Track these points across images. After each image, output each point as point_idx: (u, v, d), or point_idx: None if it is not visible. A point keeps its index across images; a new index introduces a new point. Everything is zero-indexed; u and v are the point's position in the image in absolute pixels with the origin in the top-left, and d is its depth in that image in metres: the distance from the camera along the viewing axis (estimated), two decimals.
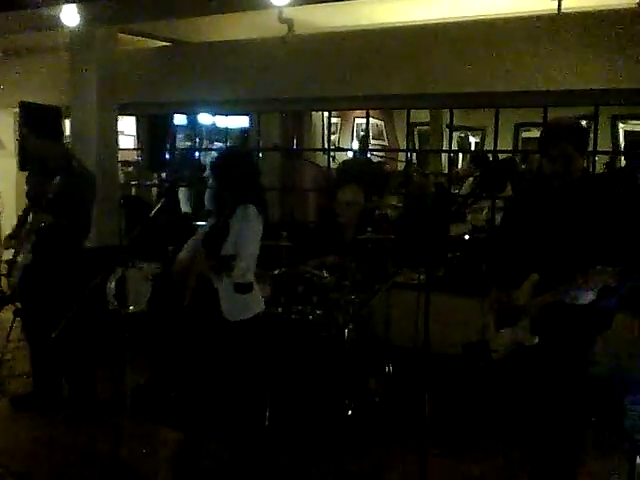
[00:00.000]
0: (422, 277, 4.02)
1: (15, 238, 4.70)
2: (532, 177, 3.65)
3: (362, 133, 9.89)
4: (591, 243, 3.01)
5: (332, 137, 9.51)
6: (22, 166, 6.47)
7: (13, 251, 4.78)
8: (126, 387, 3.52)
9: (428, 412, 3.69)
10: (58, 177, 4.47)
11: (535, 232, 3.25)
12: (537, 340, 3.11)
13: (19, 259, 4.59)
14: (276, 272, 4.68)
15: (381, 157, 9.11)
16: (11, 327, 5.57)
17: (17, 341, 5.73)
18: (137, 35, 7.29)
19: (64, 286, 4.58)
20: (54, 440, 4.39)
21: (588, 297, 2.98)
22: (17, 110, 6.85)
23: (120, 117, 7.00)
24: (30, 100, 6.70)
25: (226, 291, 3.55)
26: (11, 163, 8.45)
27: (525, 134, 9.10)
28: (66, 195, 4.43)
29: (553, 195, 3.22)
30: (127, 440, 3.74)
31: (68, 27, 5.97)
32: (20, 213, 4.88)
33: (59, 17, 5.76)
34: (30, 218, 4.48)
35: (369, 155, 9.05)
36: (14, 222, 8.61)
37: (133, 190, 9.06)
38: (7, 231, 8.08)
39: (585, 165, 3.39)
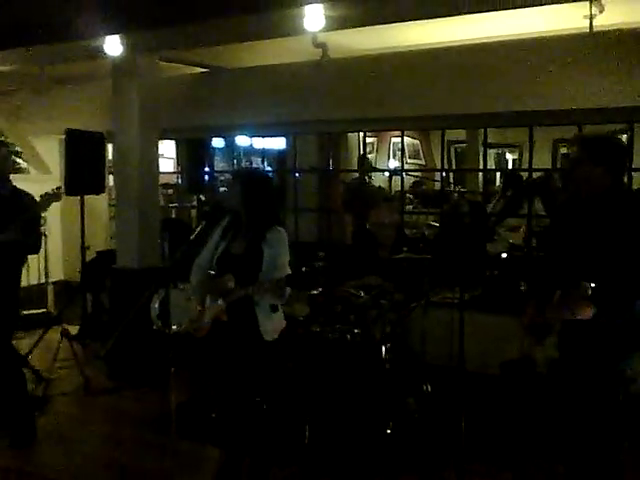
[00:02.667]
0: (458, 296, 4.04)
1: None
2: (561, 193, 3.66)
3: (398, 152, 9.95)
4: (610, 258, 2.98)
5: (368, 157, 9.59)
6: (68, 191, 6.70)
7: None
8: (170, 406, 3.60)
9: (466, 431, 3.72)
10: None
11: (563, 246, 3.26)
12: (557, 355, 3.12)
13: None
14: (314, 292, 4.74)
15: (418, 176, 9.15)
16: (58, 347, 5.75)
17: (64, 361, 5.90)
18: (176, 62, 7.49)
19: (14, 302, 4.74)
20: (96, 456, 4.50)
21: (587, 312, 2.96)
22: (63, 137, 7.11)
23: (160, 141, 7.19)
24: (75, 127, 6.95)
25: (264, 312, 3.59)
26: None
27: (564, 150, 9.07)
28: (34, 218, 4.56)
29: (579, 210, 3.23)
30: (171, 457, 3.82)
31: (111, 56, 6.16)
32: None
33: (103, 47, 5.96)
34: None
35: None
36: (59, 246, 8.94)
37: (173, 212, 9.26)
38: (54, 254, 8.37)
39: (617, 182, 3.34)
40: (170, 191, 9.46)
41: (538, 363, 3.33)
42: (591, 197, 3.18)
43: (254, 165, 9.45)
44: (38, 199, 4.62)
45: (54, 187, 4.69)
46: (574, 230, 3.23)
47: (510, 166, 10.60)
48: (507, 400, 4.75)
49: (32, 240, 4.64)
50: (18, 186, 4.82)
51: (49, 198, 4.60)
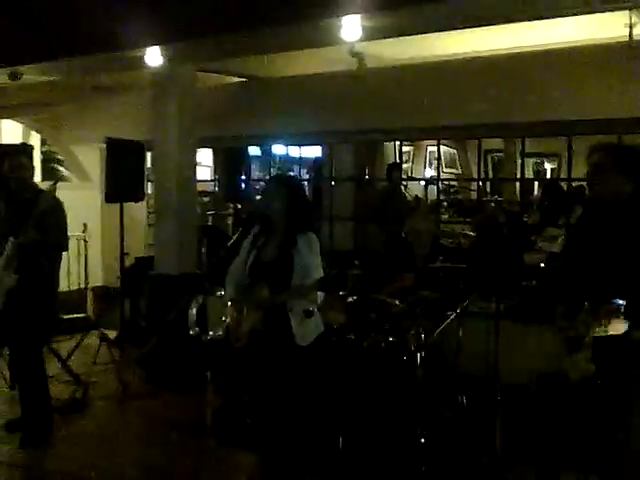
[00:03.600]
0: (494, 305, 4.02)
1: None
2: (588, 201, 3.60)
3: (435, 161, 9.92)
4: (635, 268, 2.95)
5: (404, 166, 9.58)
6: (108, 198, 6.83)
7: None
8: (206, 410, 3.65)
9: (501, 443, 3.69)
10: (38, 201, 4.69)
11: (588, 255, 3.22)
12: (593, 368, 3.08)
13: None
14: (349, 300, 4.76)
15: (453, 185, 9.11)
16: (97, 351, 5.86)
17: (102, 365, 6.00)
18: (215, 72, 7.60)
19: (49, 304, 4.84)
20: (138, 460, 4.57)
21: (619, 328, 2.92)
22: (103, 145, 7.25)
23: (198, 149, 7.29)
24: (115, 136, 7.09)
25: (297, 318, 3.61)
26: (97, 195, 8.89)
27: None
28: (47, 215, 4.65)
29: (601, 218, 3.20)
30: (206, 461, 3.87)
31: (151, 67, 6.28)
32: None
33: (144, 58, 6.08)
34: (8, 245, 4.65)
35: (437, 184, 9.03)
36: (99, 252, 9.09)
37: (210, 220, 9.37)
38: (93, 260, 8.53)
39: None
40: (207, 199, 9.57)
41: (570, 376, 3.28)
42: (613, 205, 3.15)
43: (291, 173, 9.51)
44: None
45: (54, 181, 4.80)
46: (597, 238, 3.19)
47: (549, 176, 10.48)
48: (544, 413, 4.70)
49: (52, 238, 4.70)
50: (59, 193, 4.94)
51: (48, 193, 4.72)
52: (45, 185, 5.00)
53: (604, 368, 3.09)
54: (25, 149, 5.12)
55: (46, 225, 4.64)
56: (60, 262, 5.02)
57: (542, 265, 6.05)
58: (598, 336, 3.05)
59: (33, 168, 5.02)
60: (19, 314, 4.71)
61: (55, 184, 4.77)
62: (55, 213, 4.73)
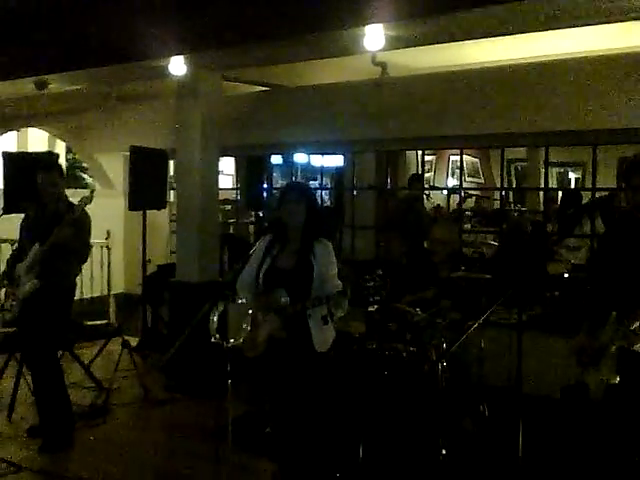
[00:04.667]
0: (516, 316, 3.98)
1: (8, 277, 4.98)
2: (621, 212, 3.55)
3: (457, 170, 9.88)
4: None
5: (427, 175, 9.55)
6: (131, 206, 6.89)
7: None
8: (227, 418, 3.65)
9: (523, 454, 3.64)
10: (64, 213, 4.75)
11: (622, 266, 3.18)
12: (618, 379, 3.03)
13: (17, 294, 4.83)
14: (370, 309, 4.74)
15: (476, 195, 9.05)
16: (119, 358, 5.89)
17: (124, 371, 6.03)
18: (238, 81, 7.64)
19: (65, 311, 4.92)
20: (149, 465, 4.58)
21: None
22: (127, 153, 7.33)
23: (220, 158, 7.33)
24: (139, 144, 7.16)
25: (316, 324, 3.60)
26: (120, 203, 8.98)
27: None
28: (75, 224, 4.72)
29: (635, 228, 3.16)
30: (225, 469, 3.86)
31: (175, 76, 6.34)
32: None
33: (167, 67, 6.14)
34: (33, 251, 4.74)
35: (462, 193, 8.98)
36: (121, 259, 9.17)
37: (232, 228, 9.40)
38: (116, 267, 8.60)
39: None
40: (229, 207, 9.61)
41: (591, 388, 3.24)
42: None
43: (315, 182, 9.51)
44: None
45: (89, 191, 4.86)
46: (630, 250, 3.15)
47: (573, 185, 10.38)
48: (566, 425, 4.64)
49: (74, 246, 4.75)
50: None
51: (80, 204, 4.77)
52: (82, 192, 5.07)
53: (630, 379, 3.05)
54: (57, 165, 5.21)
55: (71, 235, 4.70)
56: (78, 274, 5.08)
57: (566, 276, 5.99)
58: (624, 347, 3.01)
59: (64, 181, 5.10)
60: (34, 320, 4.78)
61: (92, 193, 4.85)
62: (81, 224, 4.80)
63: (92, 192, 4.86)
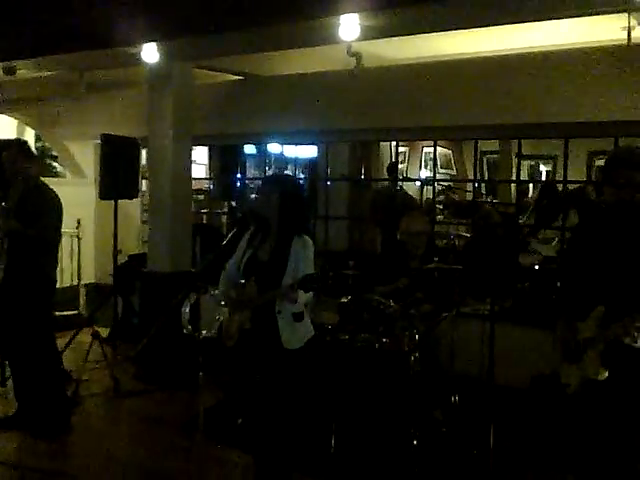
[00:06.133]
0: (488, 307, 4.01)
1: None
2: (595, 205, 3.54)
3: (430, 162, 9.91)
4: None
5: (400, 166, 9.56)
6: (102, 195, 6.80)
7: None
8: (199, 410, 3.63)
9: (494, 445, 3.67)
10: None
11: (600, 261, 3.19)
12: (607, 374, 3.05)
13: None
14: (343, 300, 4.75)
15: (447, 187, 9.09)
16: (89, 348, 5.83)
17: (94, 362, 5.97)
18: (211, 70, 7.57)
19: (43, 300, 4.85)
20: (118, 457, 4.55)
21: None
22: (98, 141, 7.22)
23: (193, 147, 7.26)
24: (110, 132, 7.06)
25: (285, 321, 3.58)
26: (91, 192, 8.86)
27: (599, 162, 8.93)
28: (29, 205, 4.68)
29: (616, 223, 3.17)
30: (197, 461, 3.85)
31: (147, 63, 6.25)
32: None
33: (140, 54, 6.05)
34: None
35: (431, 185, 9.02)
36: (92, 249, 9.05)
37: (204, 218, 9.34)
38: (87, 257, 8.49)
39: None
40: (202, 197, 9.54)
41: (569, 383, 3.24)
42: (631, 210, 3.12)
43: (287, 172, 9.49)
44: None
45: None
46: (612, 243, 3.16)
47: (544, 178, 10.48)
48: (536, 415, 4.70)
49: (34, 231, 4.67)
50: (55, 189, 4.93)
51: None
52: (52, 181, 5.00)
53: (618, 374, 3.05)
54: (19, 143, 5.10)
55: (28, 216, 4.64)
56: (54, 256, 5.00)
57: (537, 267, 6.05)
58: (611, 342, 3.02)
59: (32, 162, 4.99)
60: (11, 309, 4.70)
61: None
62: (39, 204, 4.72)
63: None
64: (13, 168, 4.81)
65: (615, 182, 3.13)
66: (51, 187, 4.95)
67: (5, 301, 4.75)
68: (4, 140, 7.36)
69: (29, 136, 11.28)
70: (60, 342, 6.42)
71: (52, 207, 4.81)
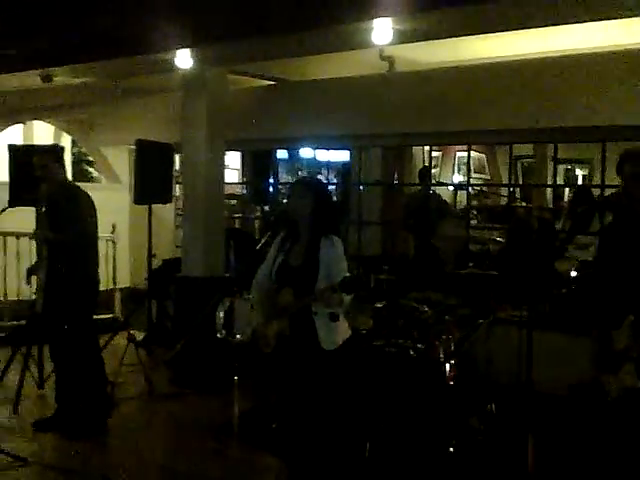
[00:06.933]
0: (525, 313, 3.95)
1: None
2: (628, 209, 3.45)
3: (463, 166, 9.82)
4: None
5: (433, 171, 9.50)
6: (137, 200, 6.88)
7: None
8: (233, 413, 3.64)
9: (532, 454, 3.61)
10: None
11: (626, 266, 3.12)
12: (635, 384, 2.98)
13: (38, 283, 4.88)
14: (377, 305, 4.72)
15: (481, 191, 9.01)
16: (125, 352, 5.88)
17: (130, 365, 6.02)
18: (244, 75, 7.61)
19: (87, 302, 4.93)
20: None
21: None
22: (133, 147, 7.31)
23: (226, 152, 7.30)
24: (145, 138, 7.14)
25: (323, 321, 3.57)
26: (126, 197, 8.96)
27: None
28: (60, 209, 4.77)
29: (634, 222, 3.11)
30: (230, 465, 3.85)
31: (182, 69, 6.31)
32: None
33: (174, 60, 6.11)
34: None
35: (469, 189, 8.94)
36: (127, 254, 9.16)
37: (237, 223, 9.38)
38: (122, 261, 8.59)
39: None
40: (235, 201, 9.59)
41: (610, 392, 3.17)
42: None
43: (319, 177, 9.49)
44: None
45: None
46: (632, 248, 3.10)
47: (580, 182, 10.32)
48: (576, 424, 4.60)
49: (69, 236, 4.74)
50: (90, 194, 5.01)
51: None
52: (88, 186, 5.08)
53: None
54: (51, 149, 5.22)
55: (59, 221, 4.74)
56: (94, 256, 5.05)
57: (574, 274, 5.95)
58: None
59: (60, 166, 5.07)
60: (56, 313, 4.80)
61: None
62: (69, 209, 4.79)
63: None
64: (43, 172, 4.90)
65: (625, 177, 3.08)
66: (78, 185, 5.05)
67: (50, 305, 4.80)
68: (41, 146, 7.52)
69: (66, 142, 11.46)
70: None
71: (82, 208, 4.87)
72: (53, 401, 5.03)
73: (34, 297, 5.01)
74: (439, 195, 8.05)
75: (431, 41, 5.77)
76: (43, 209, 4.86)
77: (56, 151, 5.21)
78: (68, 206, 4.78)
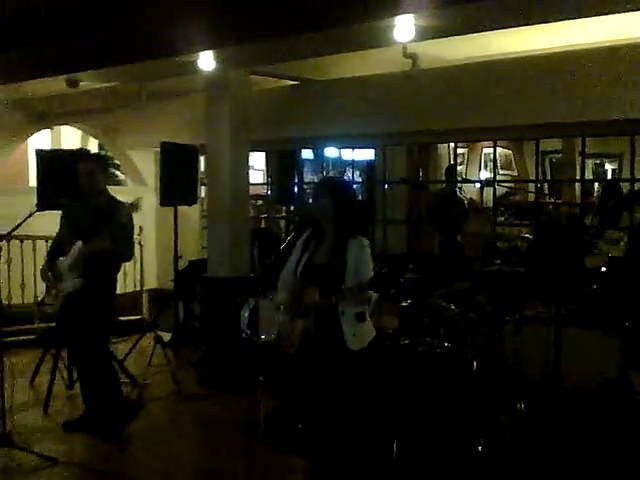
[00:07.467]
0: (553, 311, 3.89)
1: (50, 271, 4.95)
2: None
3: (490, 163, 9.73)
4: None
5: (459, 167, 9.42)
6: (163, 201, 6.92)
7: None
8: (259, 413, 3.63)
9: (561, 451, 3.55)
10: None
11: None
12: None
13: (58, 289, 4.84)
14: (403, 304, 4.69)
15: (510, 187, 8.91)
16: (152, 353, 5.92)
17: (157, 366, 6.06)
18: (267, 75, 7.61)
19: (108, 308, 4.95)
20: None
21: None
22: (158, 149, 7.35)
23: (250, 152, 7.31)
24: (170, 140, 7.18)
25: (349, 321, 3.56)
26: (152, 199, 9.02)
27: None
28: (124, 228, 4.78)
29: None
30: (257, 465, 3.85)
31: (205, 71, 6.33)
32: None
33: (197, 63, 6.13)
34: (75, 249, 4.73)
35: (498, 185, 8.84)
36: (154, 255, 9.23)
37: (263, 223, 9.40)
38: (149, 263, 8.66)
39: None
40: (260, 202, 9.61)
41: (636, 388, 3.12)
42: None
43: (344, 176, 9.46)
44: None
45: (136, 198, 4.84)
46: None
47: (609, 177, 10.16)
48: (606, 422, 4.53)
49: (121, 248, 4.81)
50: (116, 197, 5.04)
51: (129, 208, 4.77)
52: (115, 189, 5.10)
53: None
54: (97, 156, 5.24)
55: (120, 237, 4.76)
56: (119, 270, 5.11)
57: (603, 269, 5.85)
58: None
59: (104, 174, 5.13)
60: (80, 317, 4.80)
61: (138, 201, 4.84)
62: (129, 226, 4.86)
63: (139, 199, 4.87)
64: (91, 180, 4.90)
65: None
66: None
67: (71, 310, 4.83)
68: (71, 152, 7.59)
69: (92, 145, 11.60)
70: (124, 347, 6.60)
71: (133, 226, 4.92)
72: (82, 402, 5.07)
73: (46, 299, 5.01)
74: (457, 193, 7.97)
75: (454, 37, 5.71)
76: (85, 218, 4.82)
77: (102, 158, 5.22)
78: (121, 219, 4.76)
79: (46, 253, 5.27)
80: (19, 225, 4.76)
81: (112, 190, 5.17)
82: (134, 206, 4.75)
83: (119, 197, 5.04)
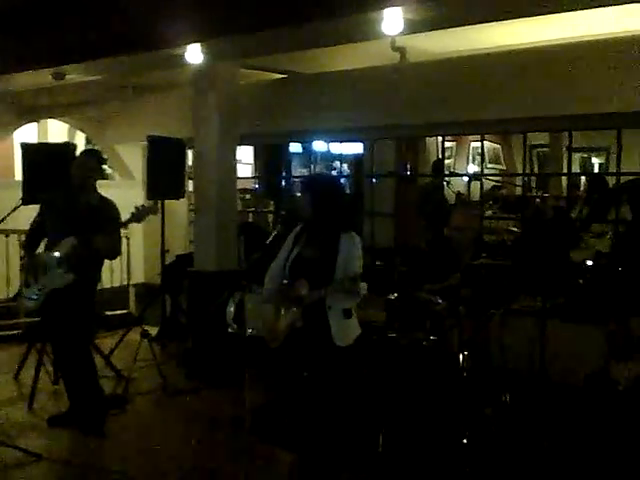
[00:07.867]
0: (539, 304, 3.90)
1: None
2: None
3: (478, 157, 9.74)
4: None
5: (447, 161, 9.43)
6: (150, 195, 6.88)
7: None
8: (246, 408, 3.62)
9: (546, 443, 3.57)
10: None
11: None
12: None
13: (39, 285, 4.73)
14: (390, 297, 4.69)
15: (497, 181, 8.92)
16: (138, 347, 5.90)
17: (144, 361, 6.04)
18: (255, 69, 7.58)
19: (93, 303, 4.94)
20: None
21: None
22: (145, 143, 7.31)
23: (238, 146, 7.28)
24: (157, 134, 7.13)
25: (336, 317, 3.56)
26: (139, 193, 8.97)
27: None
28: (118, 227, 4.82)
29: None
30: (244, 459, 3.84)
31: (192, 64, 6.28)
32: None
33: (184, 56, 6.08)
34: (67, 244, 4.66)
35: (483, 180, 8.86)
36: (141, 249, 9.18)
37: (250, 217, 9.37)
38: (136, 257, 8.62)
39: None
40: (248, 196, 9.57)
41: (619, 381, 3.14)
42: None
43: (332, 171, 9.45)
44: (133, 210, 4.75)
45: (152, 202, 4.84)
46: None
47: (596, 171, 10.20)
48: (590, 414, 4.55)
49: (110, 247, 4.80)
50: (103, 192, 5.00)
51: (146, 211, 4.74)
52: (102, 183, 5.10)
53: None
54: (99, 153, 5.22)
55: (113, 235, 4.77)
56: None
57: (589, 263, 5.87)
58: None
59: (99, 172, 5.11)
60: (66, 312, 4.75)
61: (156, 205, 4.85)
62: (119, 225, 4.87)
63: (156, 204, 4.85)
64: (90, 176, 4.87)
65: None
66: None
67: (62, 303, 4.76)
68: (56, 145, 7.53)
69: (79, 139, 11.51)
70: (110, 341, 6.58)
71: (121, 220, 4.89)
72: (67, 397, 5.04)
73: (25, 292, 4.83)
74: (445, 187, 7.98)
75: (442, 30, 5.70)
76: (77, 214, 4.76)
77: (101, 157, 5.20)
78: (114, 217, 4.80)
79: (23, 245, 5.16)
80: (3, 219, 4.71)
81: (99, 184, 5.13)
82: (152, 208, 4.82)
83: (105, 192, 5.03)
